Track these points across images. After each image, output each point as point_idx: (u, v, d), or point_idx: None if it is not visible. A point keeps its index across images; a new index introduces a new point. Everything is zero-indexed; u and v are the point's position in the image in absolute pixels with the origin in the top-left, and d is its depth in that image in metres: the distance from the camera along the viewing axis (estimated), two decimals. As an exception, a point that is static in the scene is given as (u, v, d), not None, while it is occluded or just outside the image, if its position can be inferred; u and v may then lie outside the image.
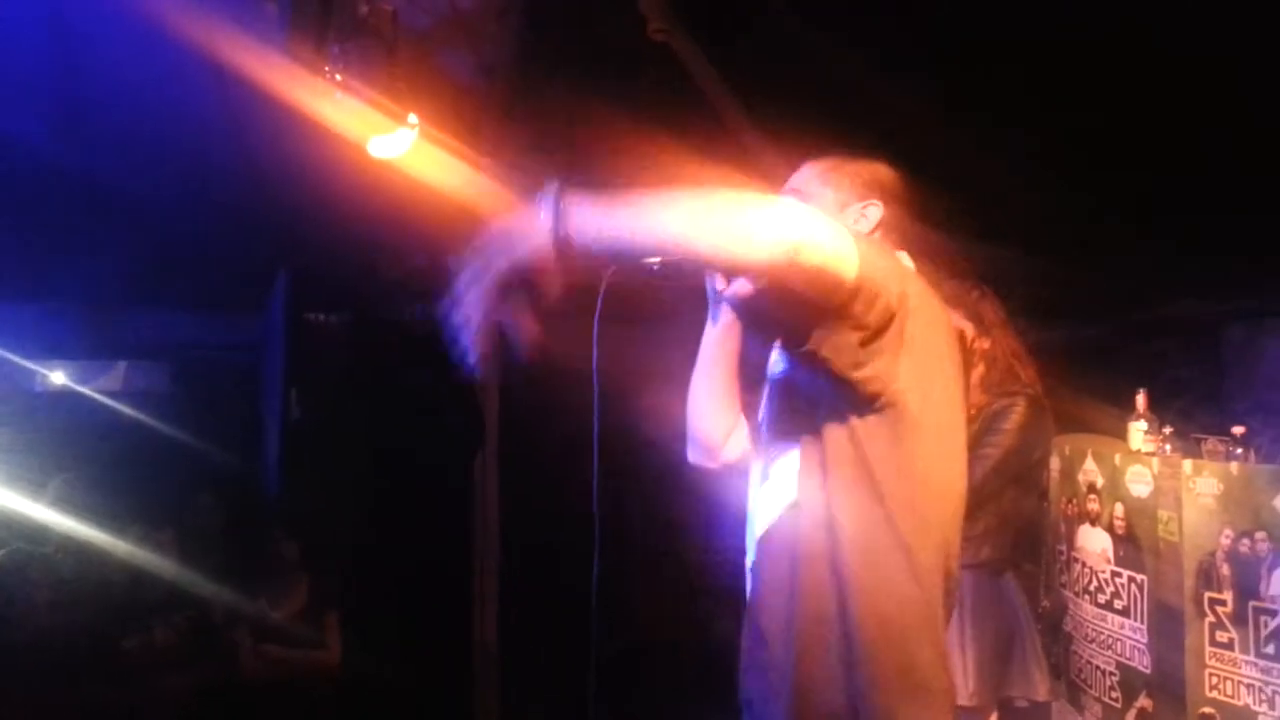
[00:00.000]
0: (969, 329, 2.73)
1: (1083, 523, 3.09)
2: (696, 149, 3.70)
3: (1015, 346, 2.77)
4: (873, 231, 1.70)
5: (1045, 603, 2.83)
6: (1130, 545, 2.85)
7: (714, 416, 1.82)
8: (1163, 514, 2.69)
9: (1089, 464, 3.08)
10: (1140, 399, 2.96)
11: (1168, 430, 2.90)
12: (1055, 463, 3.31)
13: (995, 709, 2.61)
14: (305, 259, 3.88)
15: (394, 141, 2.97)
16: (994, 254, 3.90)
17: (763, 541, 1.59)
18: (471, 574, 3.97)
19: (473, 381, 3.80)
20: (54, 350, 5.47)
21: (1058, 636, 3.19)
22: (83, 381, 5.69)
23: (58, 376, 5.83)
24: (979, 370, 2.72)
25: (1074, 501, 3.16)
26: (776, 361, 1.66)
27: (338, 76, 2.83)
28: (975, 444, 2.59)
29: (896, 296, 1.44)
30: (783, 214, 1.38)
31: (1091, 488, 3.04)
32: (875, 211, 1.71)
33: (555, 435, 3.05)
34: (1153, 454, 2.85)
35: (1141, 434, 2.91)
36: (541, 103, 3.47)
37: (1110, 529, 2.94)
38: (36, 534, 4.23)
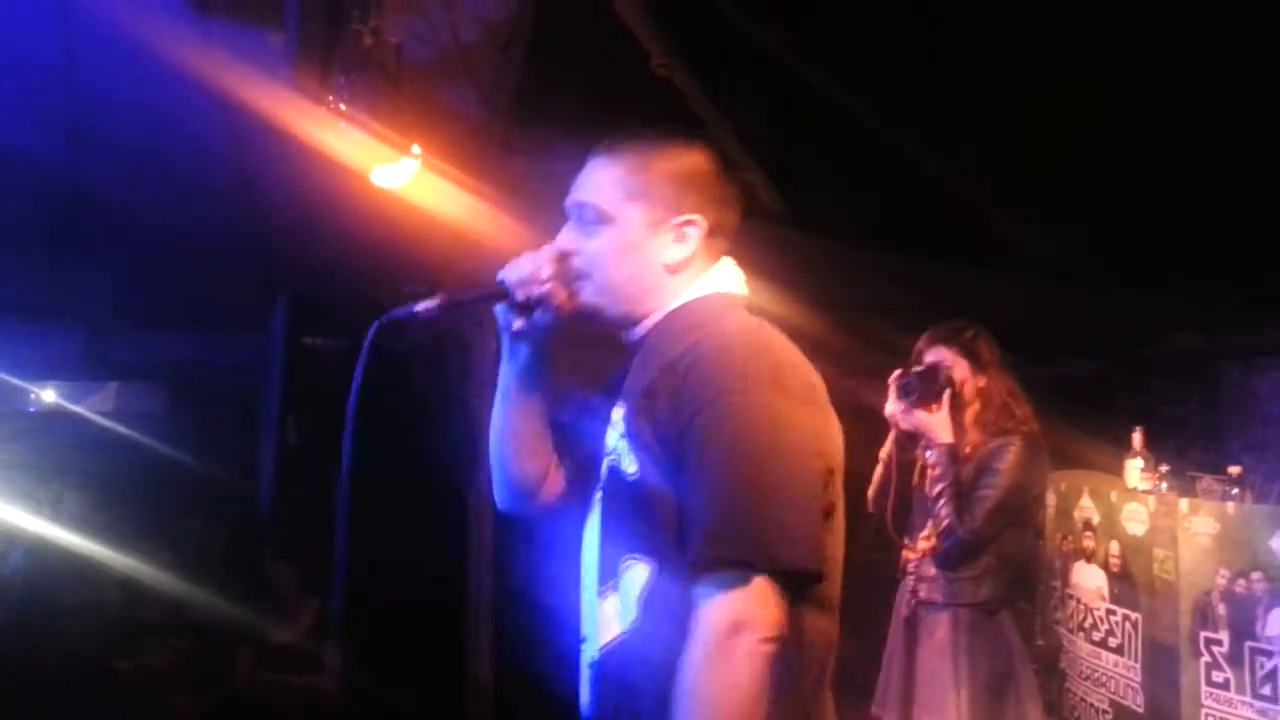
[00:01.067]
0: (962, 367, 2.74)
1: (1078, 559, 3.10)
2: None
3: (1010, 385, 2.78)
4: (694, 252, 1.41)
5: (1040, 641, 2.85)
6: (1125, 583, 2.85)
7: (525, 462, 1.53)
8: (1159, 552, 2.69)
9: (1085, 501, 3.09)
10: (1137, 436, 2.97)
11: (1164, 468, 2.92)
12: (1051, 499, 3.32)
13: None
14: (305, 284, 3.90)
15: (397, 171, 2.99)
16: (986, 286, 3.93)
17: (603, 662, 1.38)
18: (466, 599, 3.96)
19: (470, 407, 3.81)
20: (50, 370, 5.48)
21: (1052, 674, 3.19)
22: (75, 401, 5.68)
23: (49, 395, 5.83)
24: (974, 408, 2.74)
25: (1069, 538, 3.16)
26: (622, 453, 1.36)
27: (342, 107, 2.85)
28: (973, 485, 2.61)
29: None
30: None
31: (1087, 525, 3.05)
32: (695, 231, 1.40)
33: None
34: (1149, 492, 2.86)
35: (1138, 472, 2.92)
36: (543, 134, 3.50)
37: (1106, 566, 2.94)
38: (33, 549, 4.22)
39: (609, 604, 1.36)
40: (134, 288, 4.67)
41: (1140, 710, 2.77)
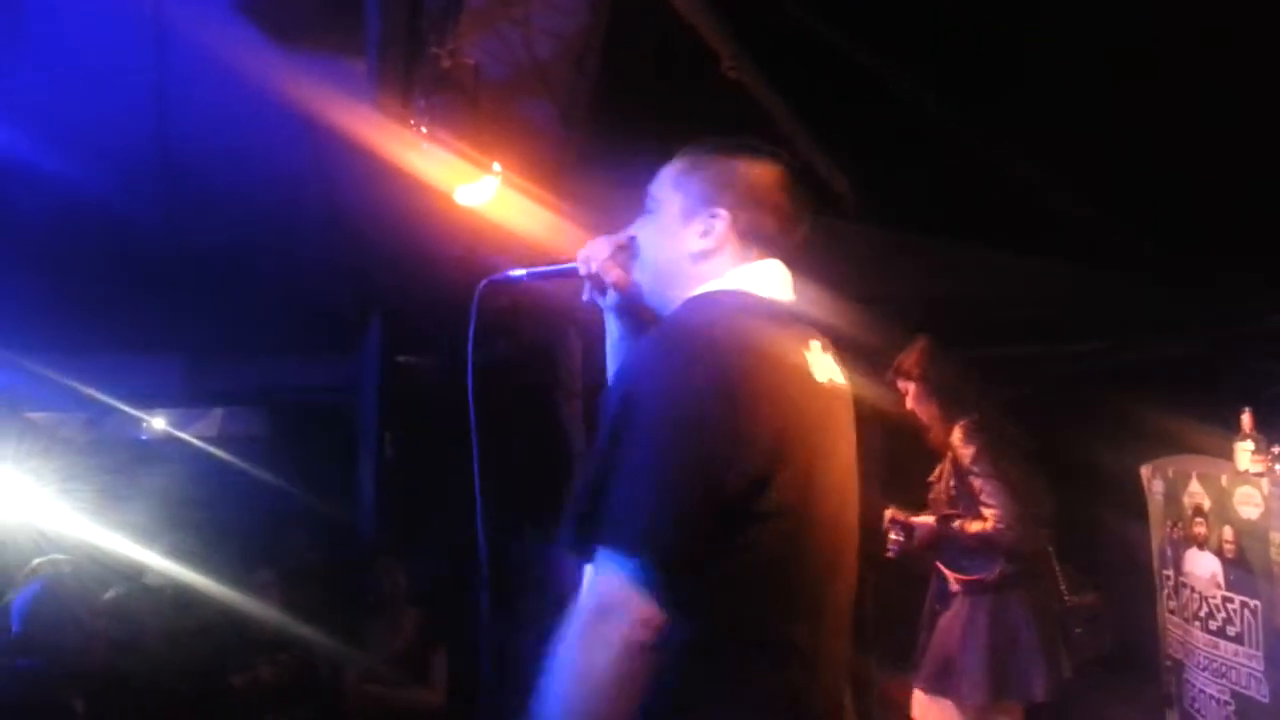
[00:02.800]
0: (911, 388, 3.11)
1: (1190, 546, 3.00)
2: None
3: (934, 411, 3.07)
4: (717, 245, 1.45)
5: (1070, 599, 3.02)
6: (1241, 569, 2.75)
7: None
8: (1275, 536, 2.60)
9: (1194, 486, 2.99)
10: (1246, 418, 2.86)
11: (1276, 450, 2.81)
12: (1159, 485, 3.23)
13: (997, 711, 2.91)
14: (396, 304, 3.99)
15: (479, 189, 3.05)
16: (1084, 275, 3.84)
17: None
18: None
19: (559, 415, 3.86)
20: (157, 399, 5.70)
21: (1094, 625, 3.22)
22: (182, 428, 5.90)
23: (159, 423, 6.07)
24: (930, 434, 3.10)
25: (1179, 525, 3.07)
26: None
27: (424, 129, 2.93)
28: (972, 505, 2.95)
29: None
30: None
31: (1198, 510, 2.95)
32: (719, 224, 1.44)
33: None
34: (1262, 474, 2.75)
35: (1249, 454, 2.81)
36: (619, 146, 3.53)
37: (1219, 552, 2.85)
38: (146, 574, 4.38)
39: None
40: (231, 316, 4.83)
41: (1266, 700, 2.67)
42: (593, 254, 1.54)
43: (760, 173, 1.48)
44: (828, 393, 1.41)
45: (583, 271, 1.56)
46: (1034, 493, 2.95)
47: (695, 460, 1.23)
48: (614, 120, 3.58)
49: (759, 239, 1.46)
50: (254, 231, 4.05)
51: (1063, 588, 2.98)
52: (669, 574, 1.21)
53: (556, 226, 3.45)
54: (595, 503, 1.23)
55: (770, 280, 1.46)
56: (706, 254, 1.45)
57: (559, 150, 3.50)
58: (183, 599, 4.26)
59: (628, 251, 1.52)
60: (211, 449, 5.66)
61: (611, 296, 1.56)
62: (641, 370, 1.30)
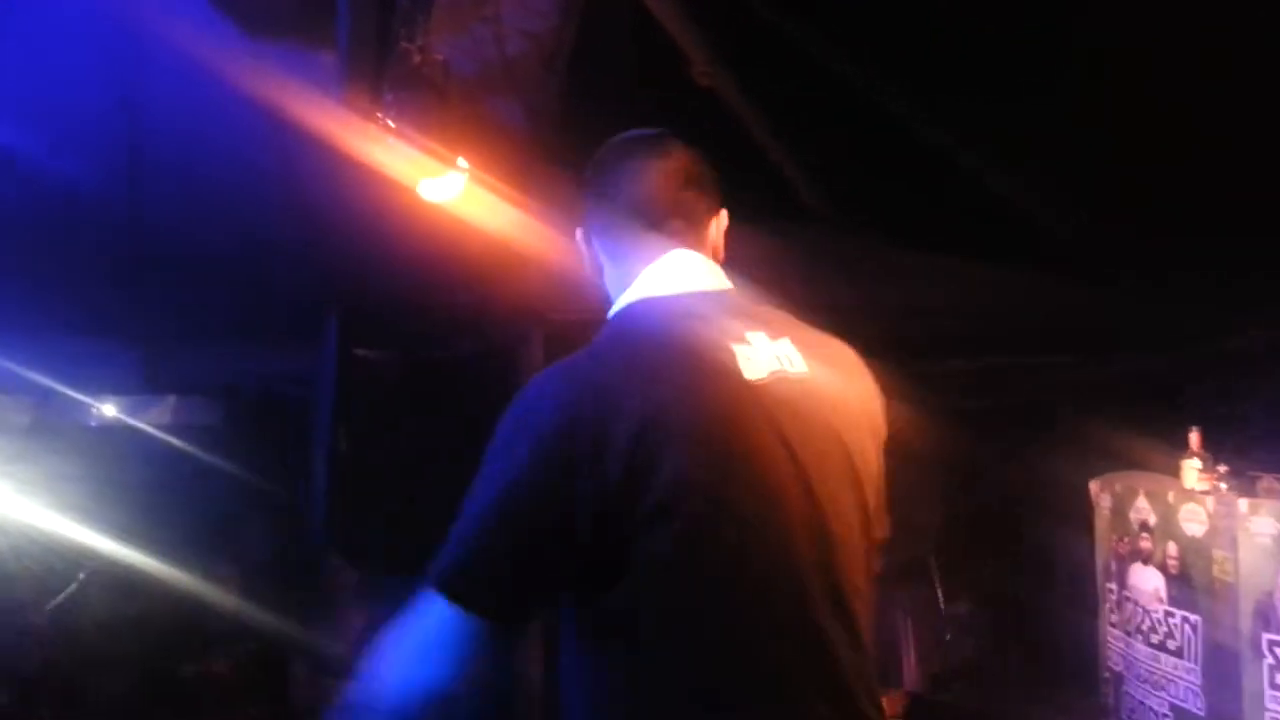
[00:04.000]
0: None
1: (1135, 561, 3.06)
2: (740, 189, 3.74)
3: None
4: (596, 265, 1.48)
5: (945, 605, 3.07)
6: (1184, 585, 2.82)
7: None
8: (1218, 554, 2.66)
9: (1141, 502, 3.05)
10: (1194, 436, 2.93)
11: (1222, 468, 2.87)
12: (1107, 500, 3.29)
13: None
14: (356, 297, 3.96)
15: (444, 185, 3.04)
16: (1044, 285, 3.89)
17: None
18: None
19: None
20: (110, 386, 5.60)
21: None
22: (133, 414, 5.80)
23: (109, 409, 5.96)
24: None
25: (1125, 540, 3.13)
26: None
27: (391, 123, 2.91)
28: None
29: None
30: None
31: (1144, 526, 3.02)
32: (584, 243, 1.49)
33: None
34: (1207, 492, 2.82)
35: (1195, 472, 2.88)
36: (589, 147, 3.53)
37: (1163, 568, 2.91)
38: (90, 561, 4.31)
39: None
40: (190, 304, 4.76)
41: (1201, 714, 2.73)
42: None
43: (591, 166, 1.47)
44: (762, 386, 1.29)
45: None
46: (912, 500, 2.99)
47: (493, 507, 1.23)
48: (583, 122, 3.58)
49: (628, 233, 1.40)
50: (216, 220, 3.99)
51: (939, 596, 3.04)
52: (491, 620, 1.21)
53: (522, 224, 3.45)
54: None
55: (678, 276, 1.38)
56: (599, 274, 1.45)
57: (527, 149, 3.49)
58: (129, 587, 4.20)
59: None
60: (165, 436, 5.58)
61: None
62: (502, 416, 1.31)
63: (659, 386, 1.23)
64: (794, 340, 1.37)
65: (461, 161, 3.05)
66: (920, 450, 3.03)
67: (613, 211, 1.43)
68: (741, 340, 1.31)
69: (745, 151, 3.56)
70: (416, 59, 2.88)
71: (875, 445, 1.42)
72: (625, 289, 1.41)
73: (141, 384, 5.57)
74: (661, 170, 1.43)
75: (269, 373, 5.29)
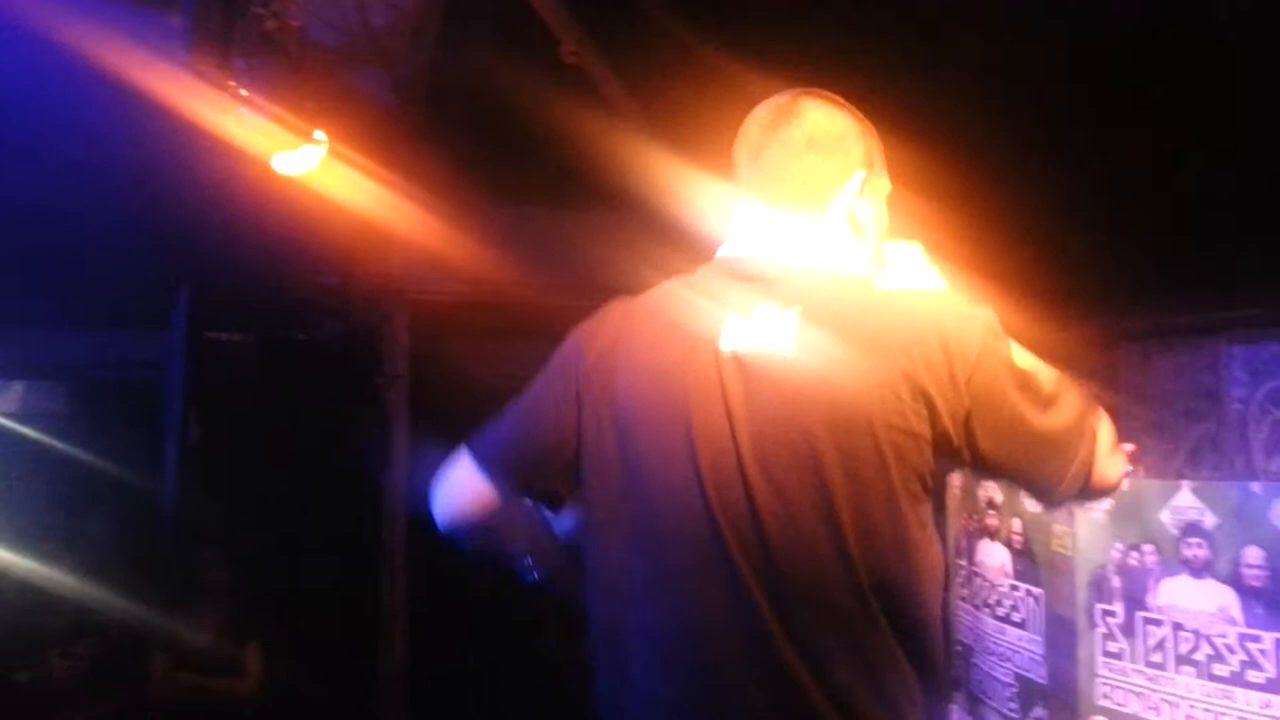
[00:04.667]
0: None
1: (982, 538, 3.18)
2: (611, 170, 3.73)
3: None
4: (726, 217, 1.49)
5: None
6: (1027, 560, 2.93)
7: None
8: (1057, 529, 2.77)
9: (988, 480, 3.17)
10: (1037, 417, 3.05)
11: (1062, 447, 3.00)
12: (956, 479, 3.40)
13: None
14: (207, 277, 3.80)
15: (300, 158, 2.94)
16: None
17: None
18: (380, 595, 3.91)
19: (382, 400, 3.76)
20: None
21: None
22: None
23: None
24: None
25: (974, 517, 3.24)
26: None
27: (242, 91, 2.79)
28: None
29: None
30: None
31: (990, 504, 3.13)
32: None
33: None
34: (1048, 471, 2.94)
35: (1037, 451, 3.00)
36: (457, 123, 3.46)
37: (1009, 544, 3.02)
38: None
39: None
40: (34, 286, 4.51)
41: (1043, 682, 2.85)
42: None
43: (740, 141, 1.45)
44: (733, 358, 1.28)
45: None
46: None
47: (526, 402, 1.49)
48: (452, 97, 3.51)
49: (743, 201, 1.42)
50: (58, 195, 3.78)
51: None
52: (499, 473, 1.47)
53: (385, 200, 3.36)
54: None
55: (735, 240, 1.41)
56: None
57: (392, 123, 3.41)
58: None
59: None
60: (13, 425, 5.29)
61: None
62: None
63: (630, 341, 1.39)
64: (813, 315, 1.28)
65: (319, 134, 2.95)
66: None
67: (737, 179, 1.44)
68: (743, 310, 1.31)
69: (616, 136, 3.55)
70: (270, 24, 2.76)
71: (889, 434, 1.23)
72: (723, 242, 1.46)
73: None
74: (780, 140, 1.41)
75: (119, 357, 5.05)
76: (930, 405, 1.24)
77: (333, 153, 3.05)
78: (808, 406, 1.24)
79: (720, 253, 1.42)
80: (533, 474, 1.49)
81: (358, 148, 3.18)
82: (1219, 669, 2.34)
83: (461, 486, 1.52)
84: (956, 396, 1.25)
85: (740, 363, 1.28)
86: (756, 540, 1.23)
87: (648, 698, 1.28)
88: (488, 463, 1.50)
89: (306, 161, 2.94)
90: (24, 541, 4.27)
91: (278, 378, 3.72)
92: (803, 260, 1.35)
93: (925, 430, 1.24)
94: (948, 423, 1.25)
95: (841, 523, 1.21)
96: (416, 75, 3.47)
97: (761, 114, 1.44)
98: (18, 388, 5.61)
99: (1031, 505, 2.91)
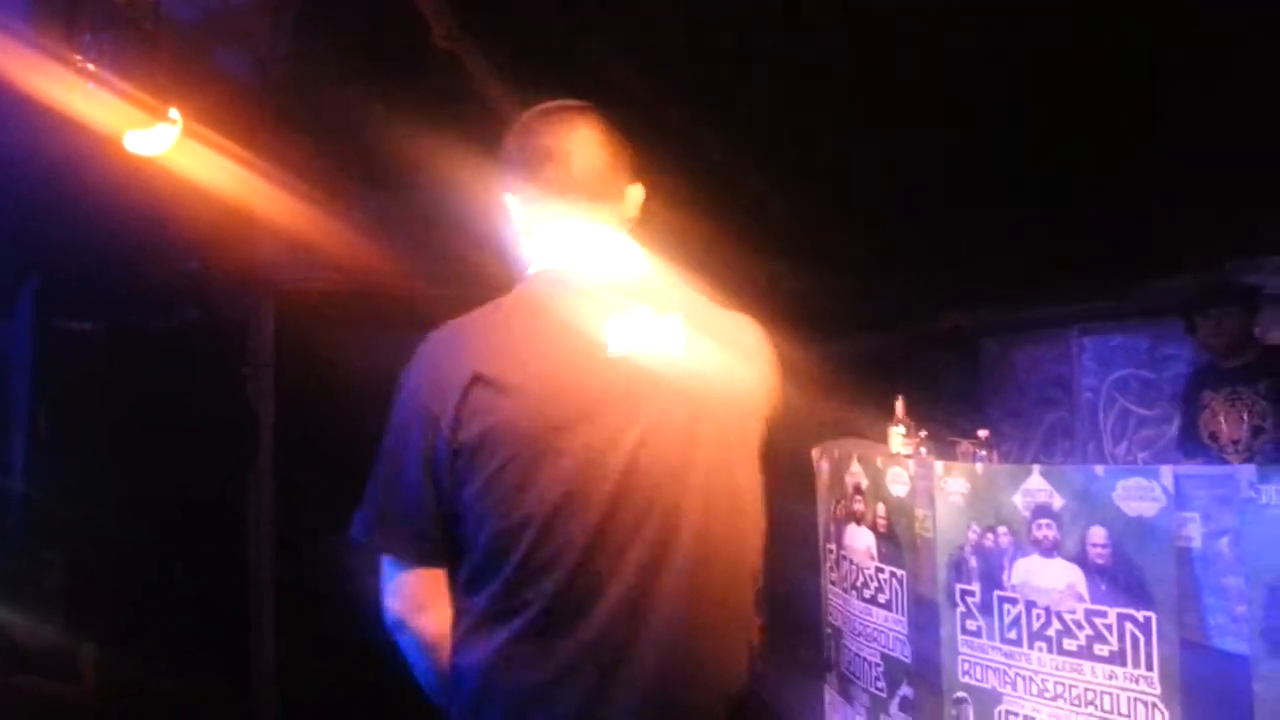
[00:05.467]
0: None
1: (850, 523, 3.26)
2: (480, 154, 3.68)
3: None
4: (515, 223, 1.51)
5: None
6: (891, 543, 3.02)
7: None
8: (919, 512, 2.86)
9: (855, 467, 3.24)
10: (899, 405, 3.14)
11: (923, 434, 3.10)
12: (825, 466, 3.48)
13: None
14: (55, 262, 3.59)
15: (154, 137, 2.79)
16: (772, 269, 4.08)
17: None
18: (246, 593, 3.78)
19: (246, 391, 3.62)
20: None
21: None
22: None
23: None
24: None
25: (842, 503, 3.32)
26: None
27: (90, 67, 2.64)
28: None
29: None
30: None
31: (857, 489, 3.21)
32: (510, 202, 1.51)
33: (333, 441, 2.95)
34: (910, 456, 3.03)
35: (900, 437, 3.09)
36: (320, 103, 3.35)
37: (874, 527, 3.11)
38: None
39: None
40: None
41: (908, 661, 2.94)
42: None
43: (510, 139, 1.48)
44: (622, 359, 1.37)
45: None
46: None
47: (389, 453, 1.37)
48: (317, 79, 3.40)
49: (550, 204, 1.45)
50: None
51: None
52: (419, 561, 1.36)
53: (248, 183, 3.24)
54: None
55: (584, 250, 1.45)
56: (519, 238, 1.50)
57: (252, 103, 3.28)
58: None
59: None
60: None
61: None
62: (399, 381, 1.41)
63: (510, 349, 1.35)
64: (686, 318, 1.43)
65: (173, 112, 2.82)
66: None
67: (533, 182, 1.46)
68: (621, 314, 1.39)
69: (488, 118, 3.50)
70: (120, -3, 2.63)
71: (754, 427, 1.50)
72: (539, 255, 1.47)
73: None
74: (583, 144, 1.46)
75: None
76: (767, 405, 1.53)
77: (190, 133, 2.92)
78: (696, 402, 1.41)
79: (563, 261, 1.45)
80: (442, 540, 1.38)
81: (217, 128, 3.05)
82: (1069, 643, 2.45)
83: (438, 600, 1.38)
84: (770, 403, 1.54)
85: (629, 363, 1.37)
86: (645, 521, 1.36)
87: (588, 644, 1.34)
88: (428, 560, 1.37)
89: (161, 141, 2.80)
90: None
91: (132, 369, 3.54)
92: (637, 270, 1.48)
93: (763, 424, 1.52)
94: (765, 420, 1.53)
95: (724, 499, 1.44)
96: (279, 56, 3.36)
97: (554, 122, 1.48)
98: None
99: (895, 490, 3.00)
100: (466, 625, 1.36)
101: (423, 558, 1.37)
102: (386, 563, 1.39)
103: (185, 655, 3.54)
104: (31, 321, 3.57)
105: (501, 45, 3.29)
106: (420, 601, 1.38)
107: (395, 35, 3.19)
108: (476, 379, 1.31)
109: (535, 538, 1.32)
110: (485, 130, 3.52)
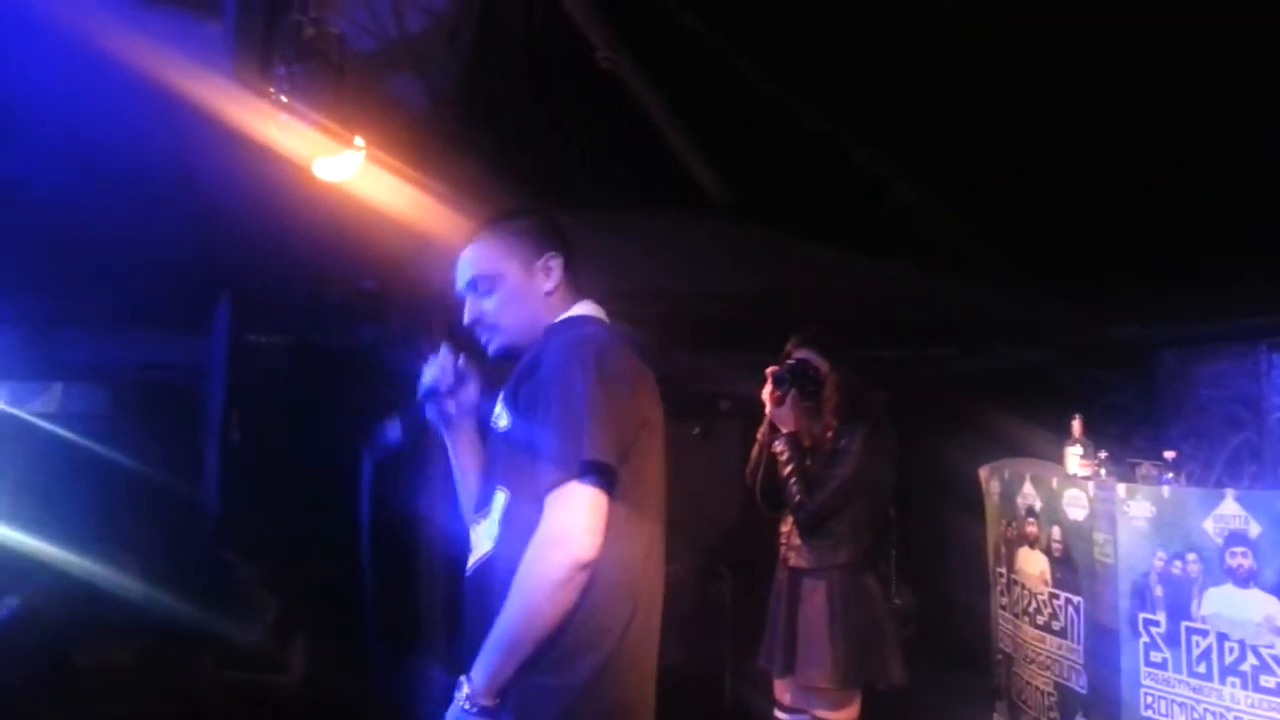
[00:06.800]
0: (825, 365, 3.06)
1: (1021, 545, 3.15)
2: (641, 175, 3.74)
3: (860, 377, 3.12)
4: (557, 282, 1.87)
5: (898, 600, 3.01)
6: (1067, 567, 2.90)
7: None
8: (1098, 536, 2.74)
9: (1027, 488, 3.13)
10: (1075, 424, 3.02)
11: (1103, 454, 2.97)
12: (995, 486, 3.37)
13: (859, 693, 2.95)
14: (248, 280, 3.84)
15: (340, 164, 2.95)
16: (928, 282, 3.98)
17: (473, 576, 1.80)
18: (419, 595, 3.93)
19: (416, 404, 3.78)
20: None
21: (905, 627, 3.25)
22: (20, 403, 5.55)
23: (-8, 398, 5.69)
24: (833, 399, 3.04)
25: (1013, 525, 3.21)
26: (500, 415, 1.83)
27: (283, 98, 2.81)
28: (826, 465, 2.99)
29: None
30: (549, 566, 1.59)
31: (1030, 511, 3.10)
32: (555, 265, 1.87)
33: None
34: (1088, 478, 2.91)
35: (1077, 458, 2.97)
36: (491, 128, 3.48)
37: (1048, 551, 2.99)
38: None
39: (481, 528, 1.78)
40: (75, 287, 4.57)
41: (1083, 691, 2.82)
42: (444, 368, 1.95)
43: (541, 219, 1.92)
44: (653, 381, 1.82)
45: (444, 389, 1.95)
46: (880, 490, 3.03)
47: (608, 405, 1.64)
48: (486, 102, 3.53)
49: (570, 270, 1.89)
50: (100, 199, 3.83)
51: (892, 589, 3.04)
52: (610, 471, 1.62)
53: (421, 204, 3.38)
54: (549, 452, 1.62)
55: (595, 309, 1.89)
56: (553, 290, 1.87)
57: (427, 128, 3.42)
58: (21, 578, 4.04)
59: (460, 367, 1.95)
60: (51, 427, 5.35)
61: (463, 401, 1.97)
62: (560, 364, 1.68)
63: (637, 370, 1.78)
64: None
65: (358, 140, 2.97)
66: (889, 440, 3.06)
67: (566, 250, 1.91)
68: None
69: (646, 138, 3.55)
70: (310, 31, 2.78)
71: None
72: (565, 309, 1.87)
73: (26, 371, 5.33)
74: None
75: (159, 359, 5.10)
76: None
77: (371, 158, 3.07)
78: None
79: (592, 311, 1.90)
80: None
81: (395, 153, 3.20)
82: (1265, 680, 2.30)
83: (601, 534, 1.62)
84: None
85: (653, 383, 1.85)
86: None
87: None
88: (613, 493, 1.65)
89: (346, 167, 2.95)
90: (76, 538, 4.32)
91: (314, 381, 3.75)
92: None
93: None
94: None
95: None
96: (452, 81, 3.49)
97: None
98: (56, 389, 5.68)
99: (1072, 513, 2.88)
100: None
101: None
102: (595, 495, 1.61)
103: (382, 650, 3.71)
104: (225, 336, 3.82)
105: (664, 64, 3.33)
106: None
107: (561, 56, 3.27)
108: (644, 422, 1.75)
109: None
110: (643, 151, 3.59)
